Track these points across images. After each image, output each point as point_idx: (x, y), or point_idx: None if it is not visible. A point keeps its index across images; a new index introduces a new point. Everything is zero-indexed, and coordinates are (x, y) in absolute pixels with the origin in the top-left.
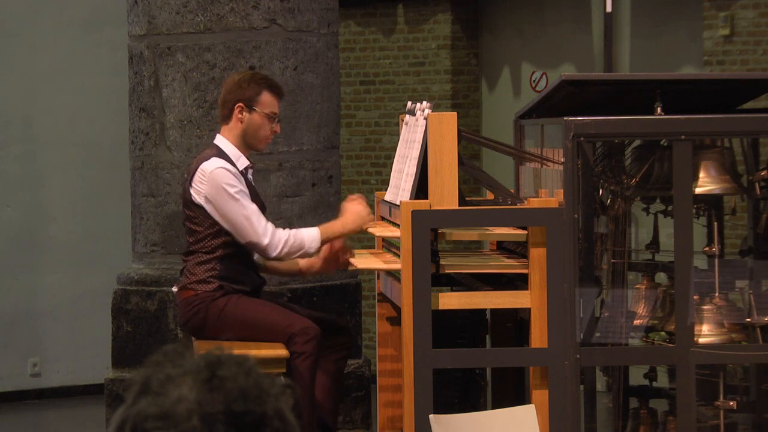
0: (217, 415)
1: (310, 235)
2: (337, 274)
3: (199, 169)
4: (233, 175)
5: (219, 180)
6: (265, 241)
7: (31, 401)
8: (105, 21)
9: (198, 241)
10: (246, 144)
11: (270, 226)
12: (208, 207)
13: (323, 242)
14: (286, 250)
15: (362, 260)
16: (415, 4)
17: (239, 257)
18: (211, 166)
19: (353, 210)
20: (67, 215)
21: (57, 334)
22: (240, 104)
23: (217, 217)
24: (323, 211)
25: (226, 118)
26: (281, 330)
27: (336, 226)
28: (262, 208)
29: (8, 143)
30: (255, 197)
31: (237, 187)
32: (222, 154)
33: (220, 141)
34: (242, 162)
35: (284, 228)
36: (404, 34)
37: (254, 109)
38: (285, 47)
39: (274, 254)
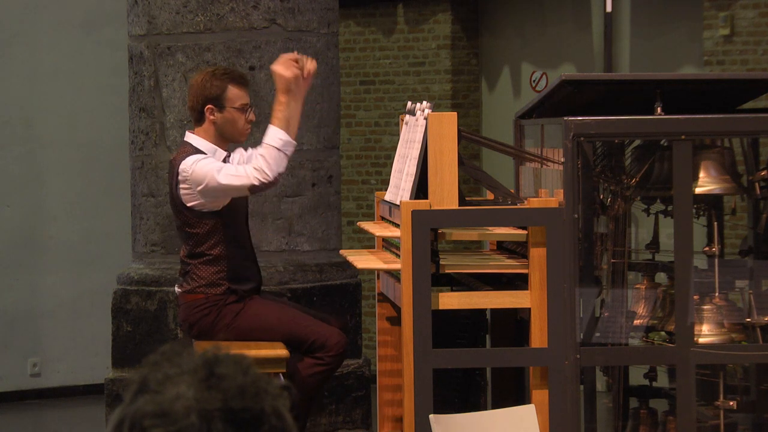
0: (214, 412)
1: (274, 137)
2: (337, 274)
3: (180, 171)
4: (206, 158)
5: (194, 162)
6: (254, 180)
7: (31, 401)
8: (105, 21)
9: (199, 243)
10: (224, 139)
11: (246, 168)
12: (203, 199)
13: (289, 131)
14: (273, 169)
15: (362, 260)
16: (415, 4)
17: (242, 252)
18: (187, 161)
19: (275, 74)
20: (67, 215)
21: (57, 334)
22: (209, 106)
23: (213, 201)
24: (323, 211)
25: (199, 121)
26: (310, 339)
27: (278, 106)
28: None
29: (8, 143)
30: None
31: (210, 159)
32: (197, 152)
33: (192, 138)
34: (219, 155)
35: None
36: (404, 34)
37: (224, 107)
38: (285, 47)
39: (271, 178)
